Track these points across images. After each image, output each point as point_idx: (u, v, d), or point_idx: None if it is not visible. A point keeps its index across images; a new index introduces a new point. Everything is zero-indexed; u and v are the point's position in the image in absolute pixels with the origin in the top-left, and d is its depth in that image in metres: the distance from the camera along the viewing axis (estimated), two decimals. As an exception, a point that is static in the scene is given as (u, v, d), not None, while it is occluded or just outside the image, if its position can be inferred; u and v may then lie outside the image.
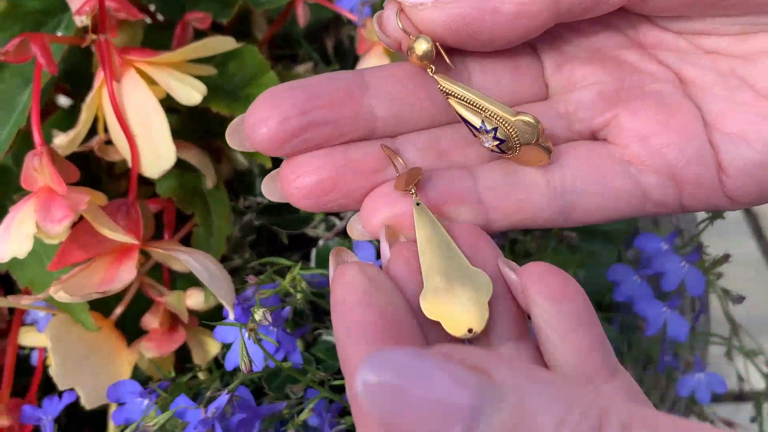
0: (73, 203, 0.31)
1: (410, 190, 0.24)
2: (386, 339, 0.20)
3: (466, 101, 0.25)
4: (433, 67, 0.26)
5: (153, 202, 0.39)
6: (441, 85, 0.25)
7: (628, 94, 0.26)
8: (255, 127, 0.24)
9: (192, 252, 0.35)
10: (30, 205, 0.31)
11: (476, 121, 0.25)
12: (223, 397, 0.29)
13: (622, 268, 0.40)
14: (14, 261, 0.35)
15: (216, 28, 0.42)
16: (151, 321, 0.38)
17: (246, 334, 0.29)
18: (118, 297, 0.39)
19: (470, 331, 0.22)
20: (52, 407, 0.35)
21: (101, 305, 0.39)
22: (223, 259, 0.41)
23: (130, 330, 0.39)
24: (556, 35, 0.27)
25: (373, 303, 0.20)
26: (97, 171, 0.42)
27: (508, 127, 0.25)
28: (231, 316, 0.35)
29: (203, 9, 0.40)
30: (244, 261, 0.42)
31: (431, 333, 0.22)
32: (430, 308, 0.22)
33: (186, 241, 0.39)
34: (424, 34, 0.25)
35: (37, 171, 0.32)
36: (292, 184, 0.25)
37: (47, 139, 0.37)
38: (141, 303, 0.39)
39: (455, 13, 0.24)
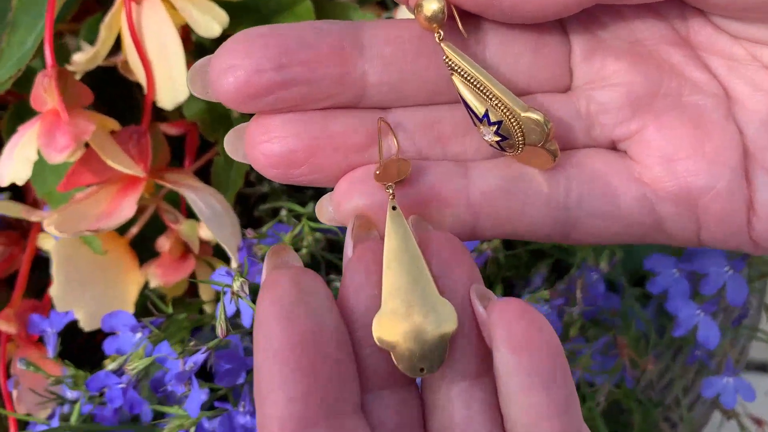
0: (77, 132, 0.30)
1: (389, 189, 0.21)
2: (306, 370, 0.18)
3: (472, 82, 0.22)
4: (442, 33, 0.22)
5: (176, 125, 0.38)
6: (447, 57, 0.22)
7: (662, 104, 0.23)
8: (221, 76, 0.21)
9: (199, 188, 0.34)
10: (35, 129, 0.30)
11: (479, 109, 0.22)
12: (200, 356, 0.29)
13: (661, 259, 0.37)
14: (35, 170, 0.35)
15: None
16: (164, 244, 0.38)
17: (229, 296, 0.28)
18: (135, 217, 0.39)
19: (422, 370, 0.20)
20: (59, 320, 0.35)
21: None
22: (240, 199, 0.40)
23: (145, 251, 0.39)
24: (592, 16, 0.23)
25: (299, 323, 0.18)
26: (129, 86, 0.41)
27: (514, 123, 0.22)
28: (233, 263, 0.34)
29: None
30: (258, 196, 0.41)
31: (374, 360, 0.20)
32: (382, 335, 0.20)
33: (207, 170, 0.38)
34: None
35: (46, 92, 0.31)
36: (258, 148, 0.21)
37: (77, 48, 0.36)
38: (160, 225, 0.39)
39: None
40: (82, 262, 0.35)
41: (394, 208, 0.21)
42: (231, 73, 0.21)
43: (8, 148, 0.31)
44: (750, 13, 0.22)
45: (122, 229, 0.38)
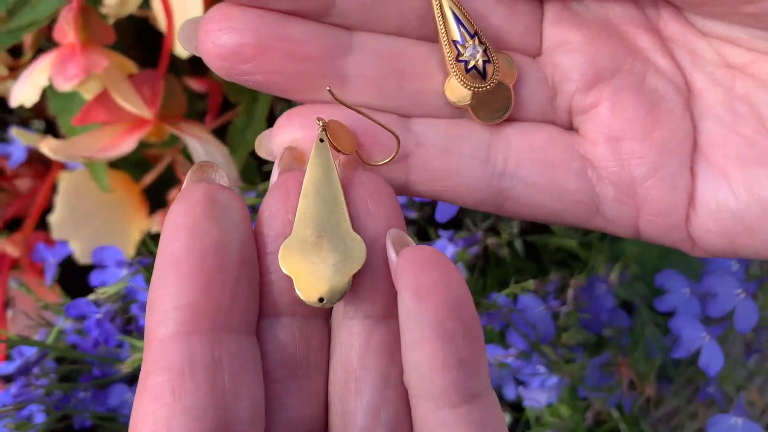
0: (89, 64, 0.32)
1: (319, 122, 0.21)
2: (199, 280, 0.18)
3: (460, 8, 0.21)
4: None
5: (201, 82, 0.39)
6: None
7: (623, 82, 0.22)
8: None
9: (205, 139, 0.34)
10: (50, 58, 0.32)
11: (470, 28, 0.21)
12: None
13: (672, 275, 0.35)
14: (60, 107, 0.37)
15: None
16: (174, 196, 0.39)
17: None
18: (150, 165, 0.40)
19: (321, 300, 0.19)
20: (61, 251, 0.37)
21: (136, 169, 0.40)
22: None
23: (160, 202, 0.40)
24: None
25: (202, 233, 0.18)
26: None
27: (493, 54, 0.21)
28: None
29: None
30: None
31: (278, 286, 0.19)
32: (287, 261, 0.19)
33: (227, 130, 0.39)
34: None
35: (68, 25, 0.32)
36: (210, 36, 0.20)
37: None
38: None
39: None
40: (88, 197, 0.36)
41: (321, 141, 0.20)
42: None
43: (26, 73, 0.32)
44: (715, 6, 0.21)
45: (138, 176, 0.40)
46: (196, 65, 0.40)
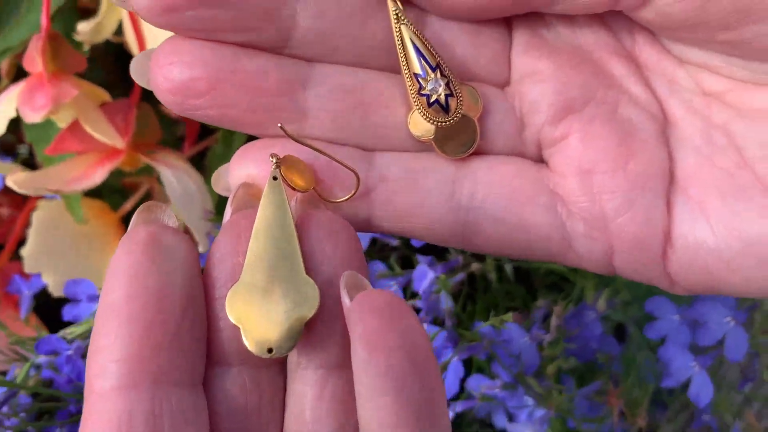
0: (58, 94, 0.31)
1: (272, 158, 0.20)
2: (139, 330, 0.17)
3: (421, 40, 0.21)
4: None
5: (179, 108, 0.38)
6: (396, 8, 0.20)
7: (594, 112, 0.21)
8: None
9: (178, 167, 0.34)
10: (19, 88, 0.31)
11: (431, 60, 0.20)
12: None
13: (662, 302, 0.34)
14: (36, 136, 0.36)
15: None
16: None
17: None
18: (127, 194, 0.39)
19: (270, 351, 0.18)
20: (36, 283, 0.36)
21: (114, 197, 0.39)
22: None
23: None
24: (538, 14, 0.22)
25: (144, 281, 0.17)
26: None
27: (456, 87, 0.21)
28: (200, 248, 0.33)
29: None
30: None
31: (227, 334, 0.18)
32: (234, 308, 0.18)
33: (204, 156, 0.38)
34: None
35: (37, 54, 0.32)
36: (162, 71, 0.20)
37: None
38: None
39: None
40: (62, 229, 0.35)
41: (275, 178, 0.20)
42: None
43: (-4, 103, 0.32)
44: (691, 33, 0.20)
45: (116, 204, 0.39)
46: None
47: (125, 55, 0.38)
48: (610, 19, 0.22)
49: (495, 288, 0.38)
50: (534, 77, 0.21)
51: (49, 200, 0.38)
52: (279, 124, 0.19)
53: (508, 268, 0.39)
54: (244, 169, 0.20)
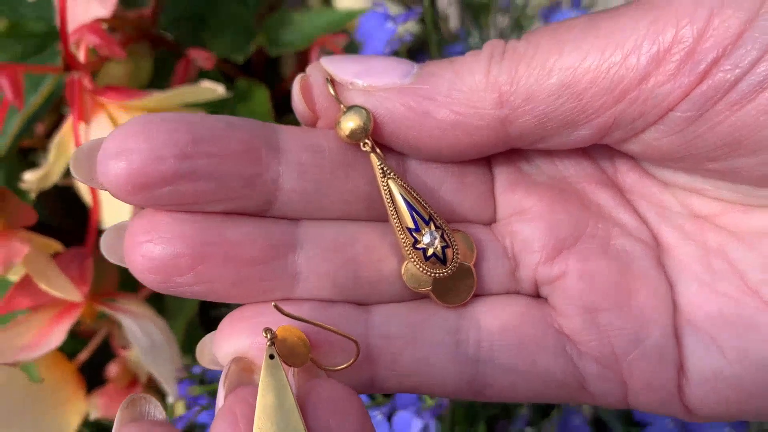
0: (8, 253, 0.29)
1: (266, 334, 0.18)
2: None
3: (408, 190, 0.20)
4: (369, 142, 0.20)
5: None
6: (381, 163, 0.20)
7: (588, 247, 0.20)
8: (112, 159, 0.17)
9: (142, 315, 0.32)
10: (-35, 249, 0.29)
11: (423, 213, 0.20)
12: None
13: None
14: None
15: (245, 65, 0.39)
16: (112, 370, 0.36)
17: None
18: (85, 342, 0.37)
19: None
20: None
21: (70, 346, 0.37)
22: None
23: (97, 377, 0.37)
24: (517, 149, 0.21)
25: None
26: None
27: (450, 236, 0.20)
28: (170, 398, 0.31)
29: (218, 44, 0.37)
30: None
31: None
32: None
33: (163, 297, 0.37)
34: (357, 106, 0.20)
35: (-17, 212, 0.30)
36: (138, 249, 0.18)
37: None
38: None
39: (384, 107, 0.19)
40: (16, 390, 0.33)
41: (271, 357, 0.18)
42: (124, 157, 0.18)
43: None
44: (677, 163, 0.20)
45: (71, 354, 0.36)
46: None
47: (76, 196, 0.36)
48: (590, 148, 0.22)
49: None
50: (522, 216, 0.21)
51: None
52: (273, 304, 0.18)
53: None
54: (233, 342, 0.19)
